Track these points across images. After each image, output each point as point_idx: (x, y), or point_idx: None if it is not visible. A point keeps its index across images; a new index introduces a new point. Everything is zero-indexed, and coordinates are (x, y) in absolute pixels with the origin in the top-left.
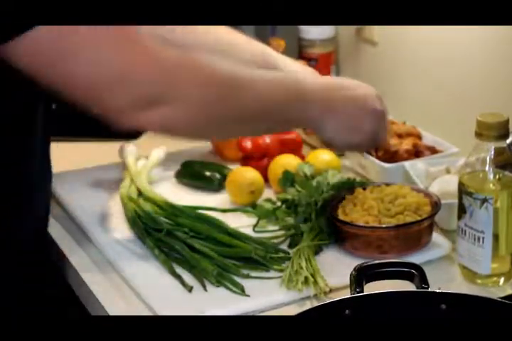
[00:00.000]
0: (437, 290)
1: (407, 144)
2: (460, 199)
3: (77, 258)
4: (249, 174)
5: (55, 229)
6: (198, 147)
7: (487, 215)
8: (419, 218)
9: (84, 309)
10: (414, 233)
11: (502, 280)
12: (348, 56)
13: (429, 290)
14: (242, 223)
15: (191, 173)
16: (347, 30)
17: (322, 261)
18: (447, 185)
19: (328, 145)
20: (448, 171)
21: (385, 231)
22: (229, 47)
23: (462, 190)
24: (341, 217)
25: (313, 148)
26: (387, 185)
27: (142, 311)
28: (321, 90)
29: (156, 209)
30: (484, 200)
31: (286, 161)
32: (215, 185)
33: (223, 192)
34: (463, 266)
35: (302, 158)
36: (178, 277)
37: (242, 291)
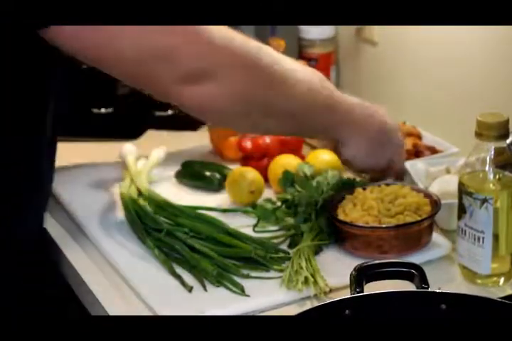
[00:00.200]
0: (437, 290)
1: (407, 144)
2: (460, 199)
3: (76, 258)
4: (249, 174)
5: (55, 229)
6: (198, 147)
7: (487, 215)
8: (419, 218)
9: (84, 309)
10: (414, 233)
11: (502, 280)
12: (348, 56)
13: (429, 290)
14: (242, 223)
15: (191, 173)
16: (347, 30)
17: (322, 261)
18: (447, 185)
19: (346, 163)
20: (448, 171)
21: (385, 231)
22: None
23: (462, 190)
24: (341, 217)
25: (313, 148)
26: (387, 185)
27: (142, 311)
28: (356, 110)
29: (156, 209)
30: (484, 200)
31: (286, 161)
32: (215, 185)
33: (223, 192)
34: (463, 266)
35: (302, 158)
36: (178, 277)
37: (242, 291)
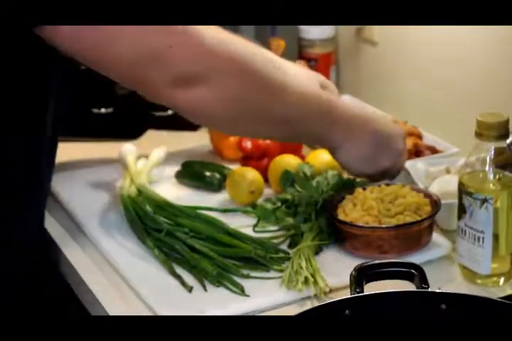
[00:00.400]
0: (437, 290)
1: (407, 144)
2: (460, 199)
3: (76, 258)
4: (249, 174)
5: (55, 229)
6: (198, 147)
7: (487, 215)
8: (419, 218)
9: (84, 309)
10: (414, 233)
11: (502, 280)
12: (348, 56)
13: (429, 290)
14: (242, 223)
15: (191, 173)
16: (347, 30)
17: (322, 261)
18: (447, 185)
19: (342, 166)
20: (448, 171)
21: (385, 232)
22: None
23: (462, 190)
24: (341, 217)
25: (313, 148)
26: (387, 185)
27: (142, 311)
28: (352, 117)
29: (156, 209)
30: (484, 200)
31: (286, 161)
32: (215, 185)
33: (223, 192)
34: (463, 266)
35: (302, 158)
36: (178, 277)
37: (242, 291)
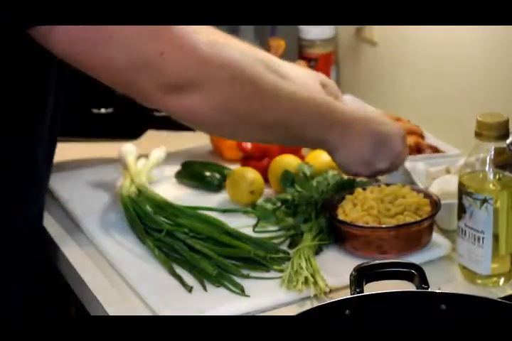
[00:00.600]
0: (437, 290)
1: (409, 141)
2: (460, 199)
3: (76, 258)
4: (249, 174)
5: (54, 229)
6: (198, 147)
7: (487, 215)
8: (419, 218)
9: (84, 309)
10: (414, 233)
11: (502, 280)
12: (348, 56)
13: (429, 290)
14: (242, 223)
15: (191, 173)
16: (347, 30)
17: (322, 261)
18: (447, 185)
19: (338, 167)
20: (448, 171)
21: (385, 232)
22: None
23: (462, 190)
24: (341, 217)
25: (313, 148)
26: (387, 185)
27: (142, 311)
28: (350, 119)
29: (156, 209)
30: (484, 200)
31: (286, 161)
32: (215, 185)
33: (223, 192)
34: (463, 266)
35: (302, 158)
36: (178, 277)
37: (242, 291)
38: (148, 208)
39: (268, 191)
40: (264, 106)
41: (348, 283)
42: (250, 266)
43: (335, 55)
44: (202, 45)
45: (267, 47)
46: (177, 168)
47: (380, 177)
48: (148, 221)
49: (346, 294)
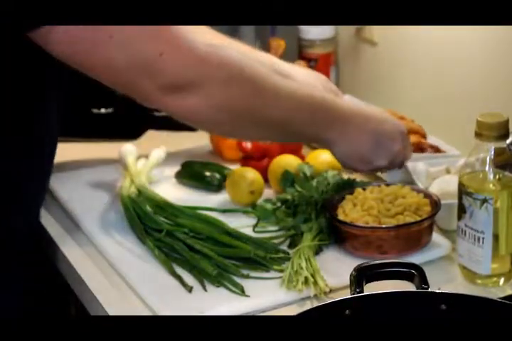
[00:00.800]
0: (437, 290)
1: (412, 139)
2: (460, 199)
3: (76, 258)
4: (249, 174)
5: (54, 229)
6: (198, 147)
7: (487, 215)
8: (419, 218)
9: (84, 309)
10: (414, 233)
11: (502, 280)
12: (348, 56)
13: (429, 290)
14: (242, 223)
15: (191, 173)
16: (347, 30)
17: (322, 261)
18: (447, 185)
19: (338, 161)
20: (448, 171)
21: (385, 232)
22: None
23: (462, 190)
24: (341, 217)
25: (313, 148)
26: (387, 185)
27: (142, 311)
28: (350, 116)
29: (156, 210)
30: (484, 200)
31: (286, 161)
32: (215, 185)
33: (223, 193)
34: (463, 266)
35: (302, 158)
36: (178, 277)
37: (242, 291)
38: (148, 208)
39: (268, 191)
40: (264, 104)
41: (348, 283)
42: (250, 266)
43: (335, 55)
44: (200, 45)
45: (267, 47)
46: (177, 168)
47: (380, 175)
48: (148, 221)
49: (346, 294)
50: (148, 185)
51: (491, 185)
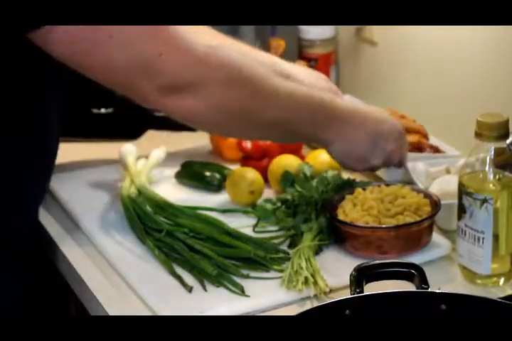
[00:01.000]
0: (437, 291)
1: (412, 138)
2: (460, 199)
3: (76, 258)
4: (249, 174)
5: (54, 229)
6: (198, 147)
7: (487, 215)
8: (419, 218)
9: (84, 309)
10: (414, 233)
11: (502, 280)
12: (348, 56)
13: (429, 290)
14: (242, 223)
15: (191, 173)
16: (347, 30)
17: (322, 261)
18: (447, 186)
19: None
20: (448, 171)
21: (385, 232)
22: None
23: (462, 190)
24: (341, 217)
25: (313, 148)
26: (387, 185)
27: (142, 311)
28: (346, 115)
29: (156, 210)
30: (484, 200)
31: (286, 162)
32: (215, 186)
33: (223, 193)
34: (463, 266)
35: (302, 158)
36: (178, 277)
37: (241, 291)
38: (148, 208)
39: (268, 191)
40: (263, 105)
41: (348, 283)
42: (250, 266)
43: (335, 55)
44: (199, 46)
45: (267, 47)
46: (177, 168)
47: (379, 174)
48: (148, 221)
49: (346, 294)
50: (148, 185)
51: (491, 185)
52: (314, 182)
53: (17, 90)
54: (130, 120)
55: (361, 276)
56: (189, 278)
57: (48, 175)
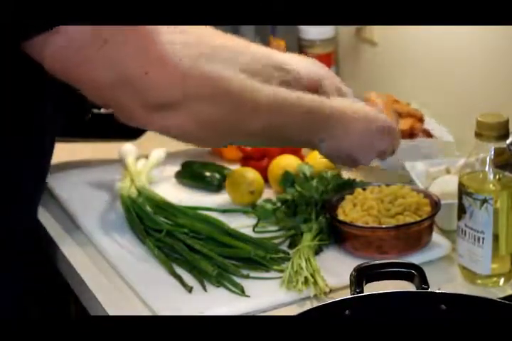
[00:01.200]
0: (437, 291)
1: (404, 124)
2: (460, 199)
3: (76, 258)
4: (249, 174)
5: (54, 229)
6: (198, 147)
7: (487, 215)
8: (419, 218)
9: (84, 309)
10: (414, 233)
11: (502, 280)
12: (348, 56)
13: (429, 290)
14: (242, 223)
15: (191, 173)
16: (347, 30)
17: (322, 261)
18: (447, 186)
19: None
20: (448, 171)
21: (385, 232)
22: (239, 56)
23: (462, 191)
24: (341, 217)
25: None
26: (387, 185)
27: (142, 311)
28: (336, 118)
29: (156, 210)
30: (484, 201)
31: (286, 162)
32: (215, 186)
33: (223, 193)
34: (463, 267)
35: (302, 158)
36: (178, 277)
37: (242, 292)
38: (148, 208)
39: (268, 191)
40: (250, 117)
41: (348, 283)
42: (250, 266)
43: (335, 55)
44: (185, 61)
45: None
46: (177, 168)
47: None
48: (148, 221)
49: (346, 294)
50: (148, 185)
51: (491, 185)
52: (314, 182)
53: (17, 90)
54: None
55: (361, 276)
56: (189, 278)
57: (46, 175)
